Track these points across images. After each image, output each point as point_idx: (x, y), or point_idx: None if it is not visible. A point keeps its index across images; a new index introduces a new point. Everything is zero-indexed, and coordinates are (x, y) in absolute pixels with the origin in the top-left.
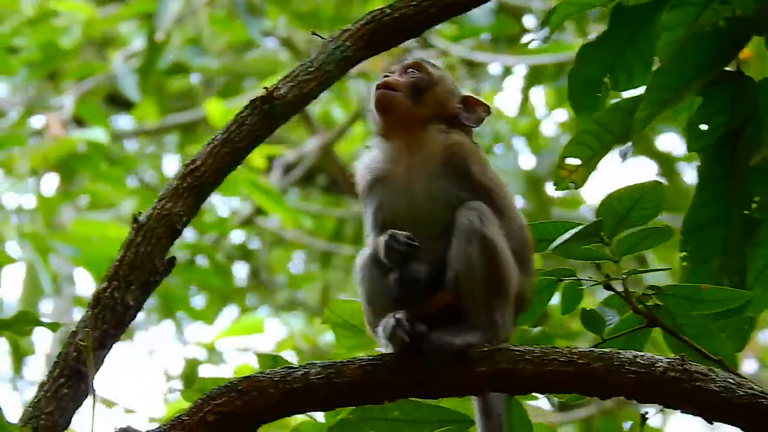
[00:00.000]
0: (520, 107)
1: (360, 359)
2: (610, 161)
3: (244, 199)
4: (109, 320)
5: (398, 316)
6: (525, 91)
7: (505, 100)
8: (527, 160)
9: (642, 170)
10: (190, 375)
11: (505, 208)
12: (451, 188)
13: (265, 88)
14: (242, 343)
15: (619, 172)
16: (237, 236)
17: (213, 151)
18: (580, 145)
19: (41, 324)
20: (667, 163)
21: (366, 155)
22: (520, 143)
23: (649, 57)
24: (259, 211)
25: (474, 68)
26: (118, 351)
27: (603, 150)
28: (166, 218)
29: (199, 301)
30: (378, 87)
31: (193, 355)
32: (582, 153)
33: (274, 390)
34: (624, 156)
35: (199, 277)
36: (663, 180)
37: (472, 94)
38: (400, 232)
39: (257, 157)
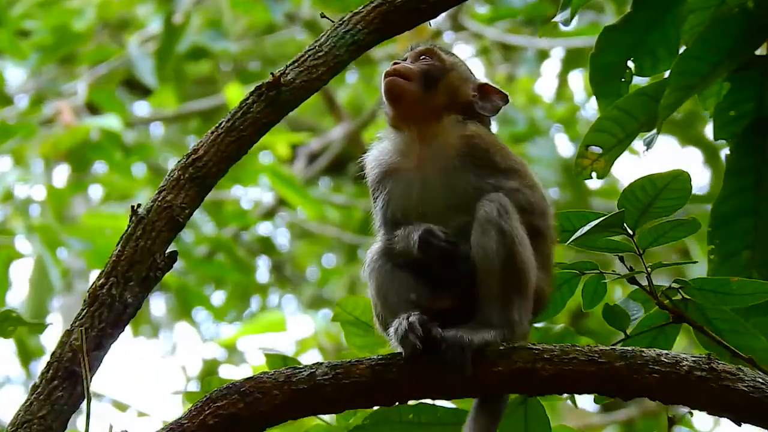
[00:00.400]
0: (557, 92)
1: (369, 359)
2: (657, 149)
3: (266, 190)
4: (106, 319)
5: (412, 319)
6: (562, 76)
7: (542, 85)
8: (565, 148)
9: (686, 159)
10: (208, 376)
11: (535, 187)
12: (474, 179)
13: (272, 73)
14: (264, 341)
15: (660, 160)
16: (260, 229)
17: (216, 140)
18: (602, 132)
19: (25, 323)
20: (712, 151)
21: (375, 147)
22: (557, 130)
23: (675, 41)
24: (283, 203)
25: (509, 52)
26: (139, 350)
27: (627, 138)
28: (167, 211)
29: (219, 298)
30: (387, 74)
31: (213, 354)
32: (604, 141)
33: (278, 391)
34: (648, 144)
35: (218, 273)
36: (708, 168)
37: (488, 82)
38: (434, 226)
39: (281, 145)
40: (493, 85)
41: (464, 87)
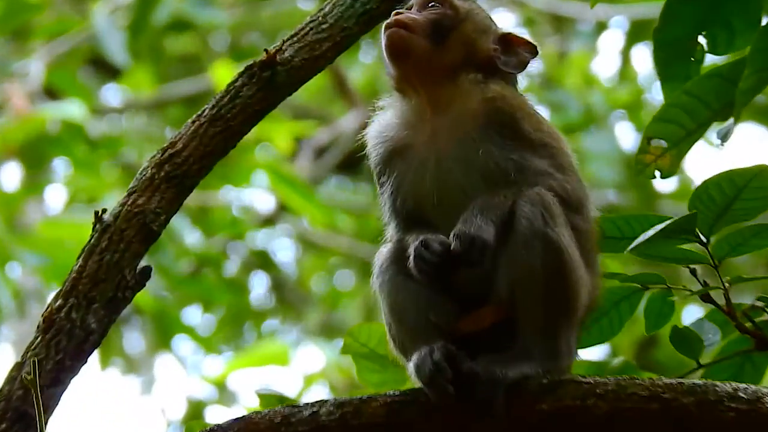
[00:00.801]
0: (618, 72)
1: (385, 395)
2: (742, 142)
3: (264, 192)
4: (65, 348)
5: (436, 356)
6: (625, 52)
7: (600, 64)
8: (628, 140)
9: None
10: (194, 419)
11: (570, 169)
12: (503, 150)
13: (266, 50)
14: (261, 377)
15: (746, 155)
16: (256, 240)
17: (198, 131)
18: (668, 122)
19: None
20: None
21: (378, 119)
22: (619, 118)
23: (756, 10)
24: (284, 208)
25: (560, 23)
26: (109, 388)
27: (698, 129)
28: (138, 217)
29: (207, 324)
30: (388, 26)
31: (199, 393)
32: (671, 133)
33: None
34: (724, 137)
35: (206, 293)
36: None
37: (512, 31)
38: (432, 236)
39: (281, 137)
40: (518, 34)
41: (483, 39)
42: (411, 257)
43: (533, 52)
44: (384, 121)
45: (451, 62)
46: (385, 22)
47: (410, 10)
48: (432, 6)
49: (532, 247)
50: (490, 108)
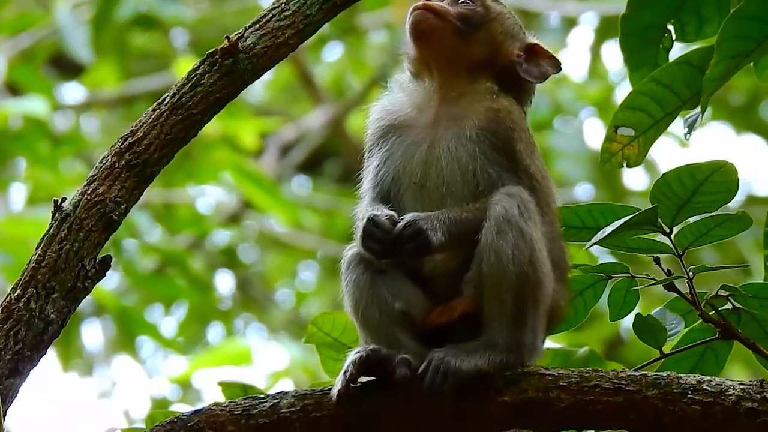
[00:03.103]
0: (589, 69)
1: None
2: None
3: (229, 190)
4: (24, 338)
5: (352, 357)
6: (595, 48)
7: (570, 60)
8: (597, 137)
9: (747, 148)
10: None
11: (548, 206)
12: (486, 161)
13: (227, 37)
14: (225, 376)
15: (715, 149)
16: (221, 238)
17: (159, 119)
18: (636, 110)
19: None
20: None
21: (385, 97)
22: (588, 115)
23: None
24: (250, 206)
25: (528, 18)
26: (69, 391)
27: (666, 117)
28: (98, 206)
29: (170, 324)
30: (415, 8)
31: (163, 392)
32: (638, 121)
33: (234, 426)
34: (691, 126)
35: (169, 292)
36: None
37: (539, 43)
38: (382, 213)
39: (247, 134)
40: (546, 48)
41: (508, 43)
42: (359, 234)
43: (557, 67)
44: (392, 99)
45: (474, 58)
46: (413, 5)
47: (442, 1)
48: (463, 2)
49: (504, 233)
50: (493, 118)
